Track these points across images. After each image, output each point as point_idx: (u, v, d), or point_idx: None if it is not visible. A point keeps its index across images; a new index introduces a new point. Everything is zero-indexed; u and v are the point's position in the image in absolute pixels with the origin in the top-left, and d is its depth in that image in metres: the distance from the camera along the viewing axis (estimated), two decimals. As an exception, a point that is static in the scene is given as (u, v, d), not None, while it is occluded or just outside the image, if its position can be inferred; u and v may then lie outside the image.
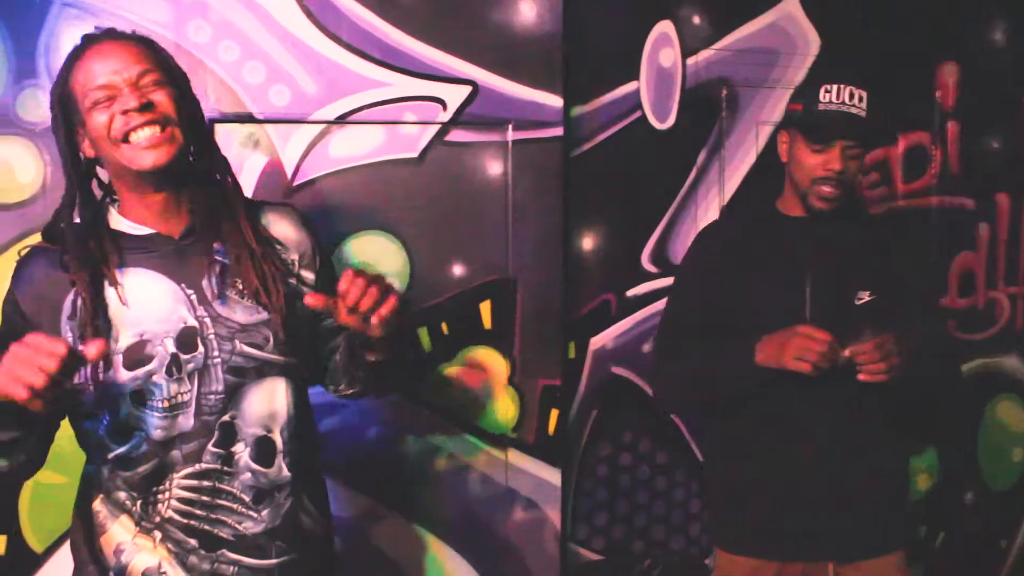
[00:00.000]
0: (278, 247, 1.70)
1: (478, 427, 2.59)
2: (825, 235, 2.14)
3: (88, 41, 1.60)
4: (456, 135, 2.51)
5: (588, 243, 2.76)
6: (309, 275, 1.73)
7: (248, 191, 2.37)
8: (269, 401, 1.63)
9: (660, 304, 2.82)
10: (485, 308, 2.58)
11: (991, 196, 3.13)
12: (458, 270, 2.55)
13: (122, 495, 1.60)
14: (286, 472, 1.64)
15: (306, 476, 1.70)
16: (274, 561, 1.63)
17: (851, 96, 2.08)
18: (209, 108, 2.30)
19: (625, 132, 2.76)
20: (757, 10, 2.86)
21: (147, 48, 1.60)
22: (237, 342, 1.59)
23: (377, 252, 2.49)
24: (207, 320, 1.58)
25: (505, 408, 2.60)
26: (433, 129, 2.48)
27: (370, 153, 2.46)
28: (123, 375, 1.54)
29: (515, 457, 2.62)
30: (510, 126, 2.53)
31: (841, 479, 2.14)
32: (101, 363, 1.52)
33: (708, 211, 2.85)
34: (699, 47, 2.81)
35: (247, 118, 2.36)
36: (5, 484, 2.24)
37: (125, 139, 1.53)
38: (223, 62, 2.33)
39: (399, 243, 2.49)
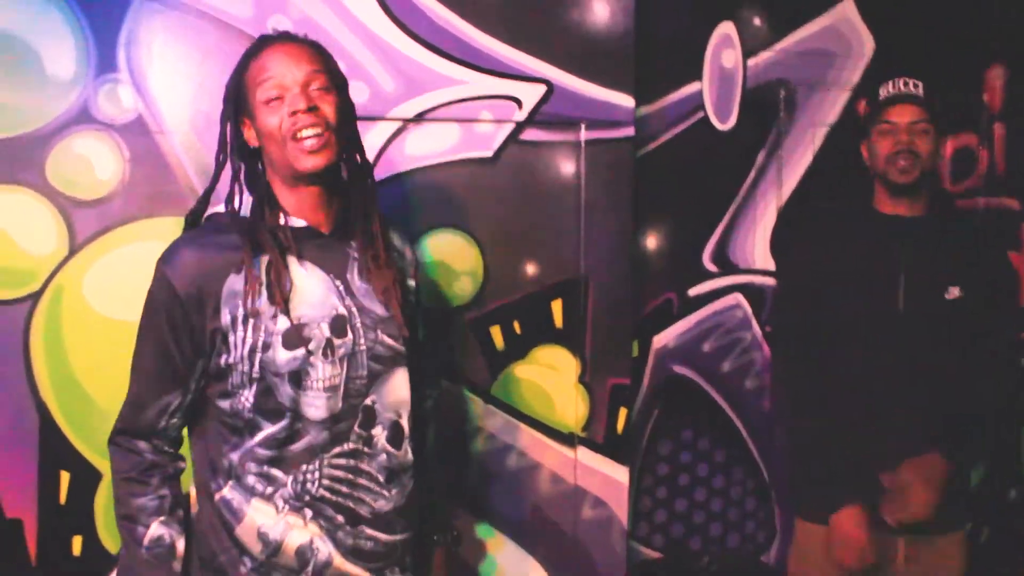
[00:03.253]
0: (395, 254, 1.81)
1: (548, 425, 2.59)
2: (918, 231, 2.21)
3: (264, 41, 1.68)
4: (530, 134, 2.51)
5: (651, 242, 2.78)
6: (412, 283, 1.87)
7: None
8: (399, 389, 1.72)
9: (720, 303, 2.87)
10: (557, 307, 2.58)
11: (1037, 197, 3.19)
12: (531, 269, 2.55)
13: (251, 480, 1.62)
14: (410, 456, 1.73)
15: (421, 460, 1.81)
16: (399, 537, 1.72)
17: (906, 83, 2.26)
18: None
19: (688, 132, 2.79)
20: (814, 12, 2.89)
21: (316, 52, 1.68)
22: (379, 332, 1.68)
23: (451, 250, 2.48)
24: (354, 310, 1.66)
25: (575, 407, 2.60)
26: (508, 128, 2.48)
27: (446, 151, 2.45)
28: (282, 355, 1.59)
29: (584, 455, 2.62)
30: (583, 125, 2.54)
31: (919, 456, 2.21)
32: (260, 342, 1.58)
33: (767, 211, 2.88)
34: (759, 48, 2.84)
35: (325, 115, 2.34)
36: (81, 484, 2.22)
37: (294, 137, 1.60)
38: (303, 58, 2.31)
39: (473, 241, 2.49)
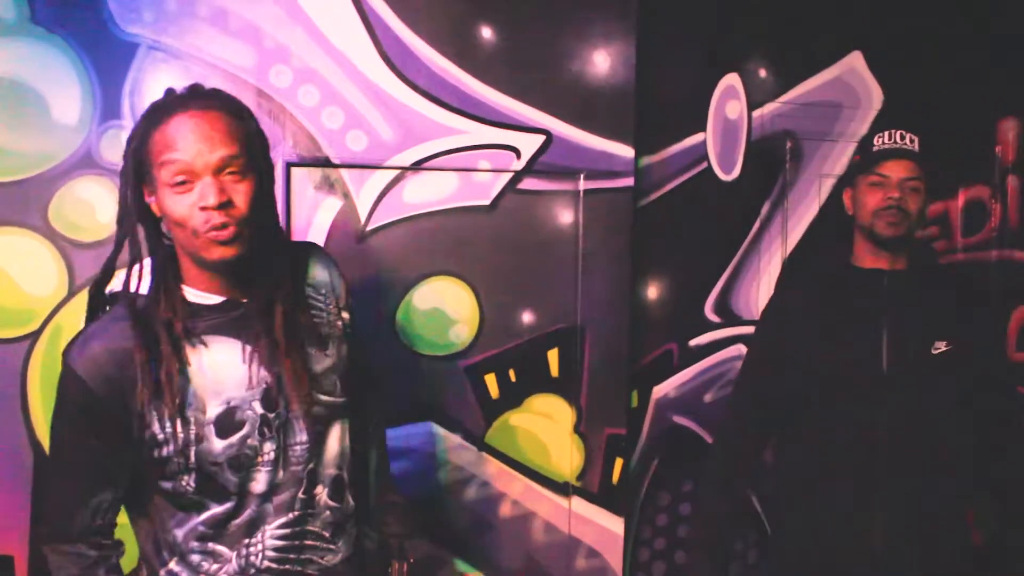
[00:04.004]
0: (322, 293, 1.70)
1: (542, 475, 2.58)
2: (899, 286, 2.16)
3: (172, 106, 1.48)
4: (528, 183, 2.52)
5: (652, 292, 2.77)
6: (347, 315, 1.73)
7: (322, 234, 2.41)
8: (340, 442, 1.66)
9: (722, 354, 2.85)
10: (553, 356, 2.57)
11: (1051, 252, 3.13)
12: (527, 317, 2.55)
13: (195, 558, 1.56)
14: (351, 503, 1.69)
15: (362, 503, 1.76)
16: None
17: (902, 137, 2.18)
18: (287, 152, 2.33)
19: (691, 183, 2.79)
20: (822, 64, 2.89)
21: (233, 123, 1.49)
22: (313, 392, 1.60)
23: (448, 298, 2.49)
24: (282, 377, 1.57)
25: (570, 456, 2.59)
26: (506, 177, 2.50)
27: (443, 199, 2.48)
28: (217, 444, 1.51)
29: (578, 505, 2.60)
30: (582, 176, 2.55)
31: (908, 516, 2.12)
32: (192, 434, 1.50)
33: (772, 262, 2.86)
34: (765, 100, 2.84)
35: (324, 162, 2.38)
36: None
37: (202, 232, 1.46)
38: (303, 107, 2.35)
39: (469, 289, 2.50)
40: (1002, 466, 2.26)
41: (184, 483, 1.52)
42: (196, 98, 1.49)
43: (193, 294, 1.55)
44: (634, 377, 2.72)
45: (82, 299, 2.23)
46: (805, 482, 2.19)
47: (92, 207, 2.25)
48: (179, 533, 1.56)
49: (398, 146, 2.41)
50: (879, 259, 2.18)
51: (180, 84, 2.23)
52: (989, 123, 3.07)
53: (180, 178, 1.43)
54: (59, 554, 1.54)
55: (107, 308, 1.58)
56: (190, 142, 1.43)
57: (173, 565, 1.57)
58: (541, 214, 2.55)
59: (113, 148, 2.25)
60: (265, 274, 1.58)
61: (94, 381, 1.46)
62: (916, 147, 2.16)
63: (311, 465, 1.61)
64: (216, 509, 1.55)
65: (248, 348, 1.55)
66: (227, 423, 1.52)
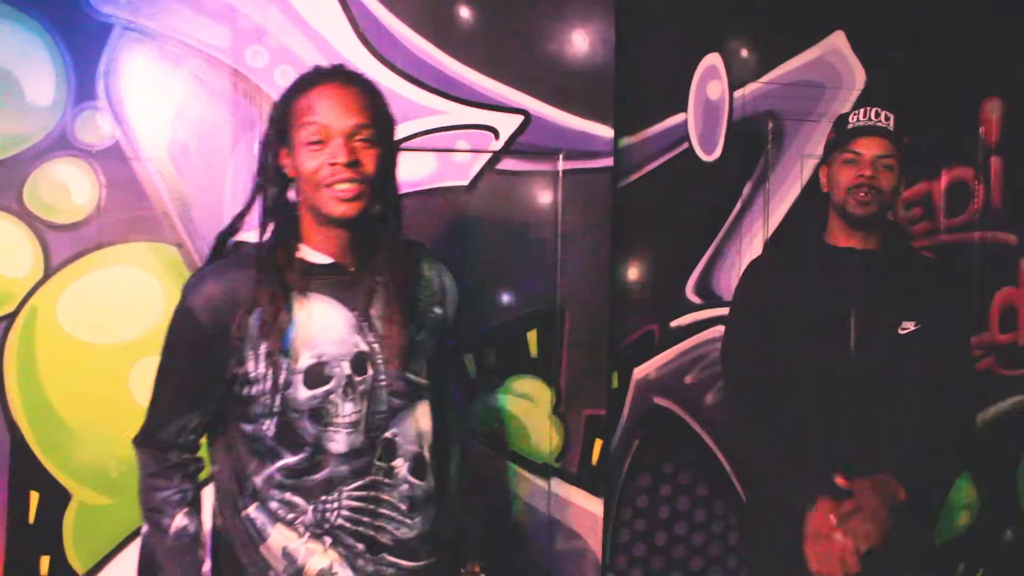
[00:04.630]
0: (423, 283, 1.82)
1: (522, 456, 2.58)
2: (871, 265, 2.16)
3: (316, 77, 1.65)
4: (507, 164, 2.52)
5: (633, 273, 2.77)
6: (439, 311, 1.85)
7: (299, 216, 2.39)
8: (421, 421, 1.75)
9: (704, 335, 2.85)
10: (532, 337, 2.57)
11: (1034, 232, 3.13)
12: (506, 298, 2.55)
13: (274, 505, 1.66)
14: (432, 484, 1.76)
15: (443, 488, 1.84)
16: (423, 563, 1.75)
17: (877, 115, 2.18)
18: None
19: (672, 164, 2.77)
20: (804, 44, 2.87)
21: (367, 98, 1.65)
22: (400, 367, 1.70)
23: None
24: (375, 346, 1.68)
25: (549, 437, 2.59)
26: (485, 157, 2.49)
27: (422, 180, 2.47)
28: (303, 393, 1.62)
29: (558, 487, 2.61)
30: (561, 156, 2.54)
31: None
32: (282, 379, 1.61)
33: (753, 243, 2.85)
34: (747, 80, 2.83)
35: (301, 143, 2.36)
36: (50, 504, 2.25)
37: (328, 184, 1.60)
38: (279, 87, 2.33)
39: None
40: (966, 448, 2.24)
41: (265, 428, 1.63)
42: (339, 74, 1.66)
43: (309, 253, 1.67)
44: (614, 358, 2.72)
45: (58, 281, 2.25)
46: (774, 460, 2.19)
47: (67, 188, 2.25)
48: (258, 480, 1.66)
49: (376, 127, 2.40)
50: (852, 238, 2.18)
51: (154, 64, 2.26)
52: (972, 103, 3.05)
53: (316, 137, 1.59)
54: (145, 454, 1.70)
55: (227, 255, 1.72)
56: (328, 108, 1.60)
57: (252, 510, 1.67)
58: (520, 195, 2.54)
59: (88, 129, 2.25)
60: (378, 246, 1.71)
61: (203, 315, 1.60)
62: (891, 125, 2.16)
63: (391, 435, 1.70)
64: (290, 459, 1.64)
65: (348, 311, 1.66)
66: (315, 375, 1.63)
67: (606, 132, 2.56)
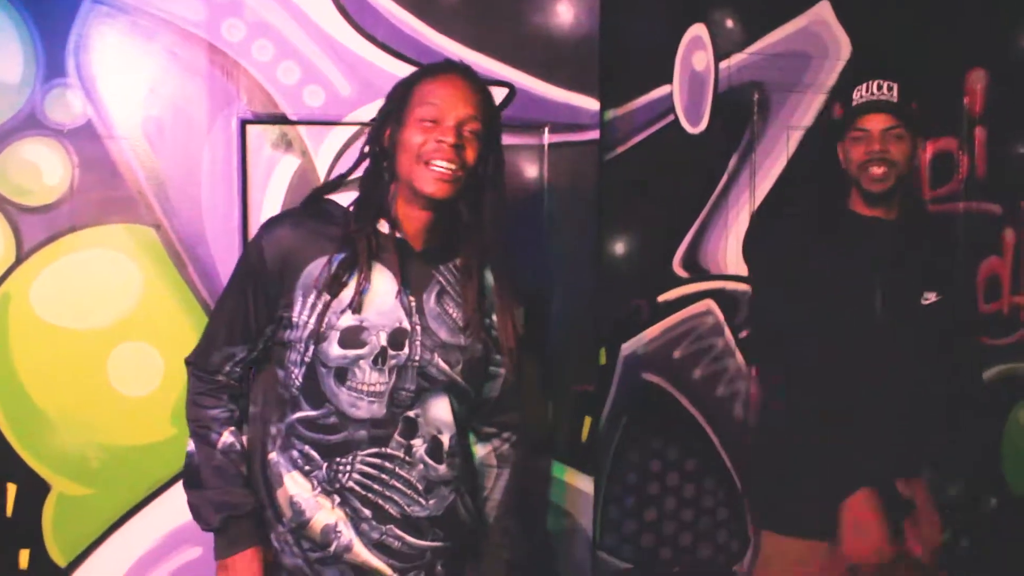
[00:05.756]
0: (484, 293, 1.89)
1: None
2: (893, 236, 2.18)
3: (446, 68, 1.78)
4: (492, 138, 2.46)
5: (619, 248, 2.73)
6: (487, 321, 1.90)
7: (279, 193, 2.34)
8: (443, 410, 1.80)
9: (691, 309, 2.83)
10: (519, 313, 2.52)
11: (1017, 202, 3.13)
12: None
13: (295, 453, 1.75)
14: (449, 472, 1.81)
15: (466, 479, 1.90)
16: (430, 543, 1.80)
17: (879, 87, 2.21)
18: (242, 109, 2.26)
19: (657, 136, 2.74)
20: (790, 14, 2.84)
21: (484, 99, 1.77)
22: (436, 355, 1.76)
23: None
24: (418, 328, 1.75)
25: (538, 415, 2.56)
26: (469, 132, 2.44)
27: (405, 156, 2.40)
28: (335, 351, 1.70)
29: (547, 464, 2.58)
30: (546, 129, 2.49)
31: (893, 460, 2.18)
32: (320, 331, 1.69)
33: (739, 216, 2.83)
34: (732, 51, 2.79)
35: (281, 119, 2.30)
36: (29, 496, 2.20)
37: (427, 160, 1.69)
38: (257, 62, 2.27)
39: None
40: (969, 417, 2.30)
41: (294, 376, 1.74)
42: (466, 70, 1.78)
43: (384, 226, 1.77)
44: (602, 334, 2.69)
45: (31, 265, 2.18)
46: (796, 424, 2.21)
47: (38, 169, 2.17)
48: (281, 427, 1.77)
49: (356, 101, 2.34)
50: (873, 210, 2.21)
51: (126, 38, 2.19)
52: (957, 74, 3.04)
53: (432, 116, 1.70)
54: (194, 375, 1.81)
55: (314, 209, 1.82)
56: (449, 95, 1.72)
57: (274, 454, 1.77)
58: (505, 169, 2.48)
59: (58, 107, 2.17)
60: (458, 236, 1.82)
61: (269, 253, 1.72)
62: (895, 95, 2.17)
63: (414, 415, 1.76)
64: (310, 412, 1.73)
65: (401, 288, 1.75)
66: (351, 337, 1.71)
67: (591, 104, 2.51)
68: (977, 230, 3.08)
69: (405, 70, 2.34)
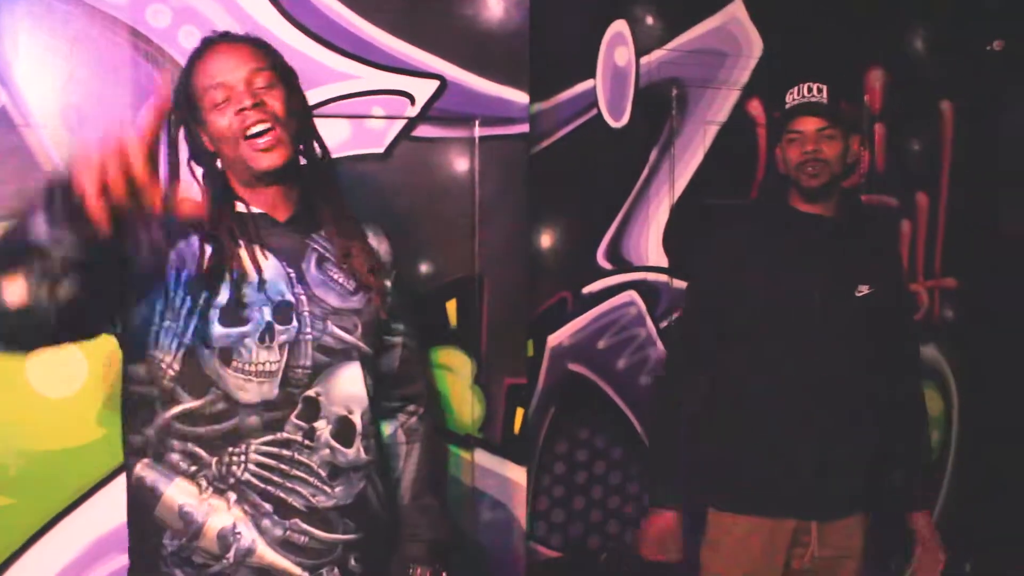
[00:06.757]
0: (368, 251, 1.81)
1: (444, 428, 2.54)
2: (832, 230, 2.27)
3: (206, 44, 1.69)
4: (423, 130, 2.44)
5: (545, 240, 2.76)
6: (388, 282, 1.84)
7: (207, 186, 2.26)
8: (350, 384, 1.70)
9: (614, 300, 2.88)
10: (451, 307, 2.53)
11: (912, 195, 3.30)
12: (424, 268, 2.49)
13: (175, 457, 1.61)
14: (364, 455, 1.71)
15: (379, 462, 1.79)
16: (341, 537, 1.69)
17: (809, 89, 2.31)
18: (178, 121, 2.18)
19: (582, 130, 2.78)
20: (705, 12, 2.92)
21: (258, 48, 1.69)
22: (329, 323, 1.68)
23: (343, 250, 2.40)
24: (303, 298, 1.67)
25: (471, 408, 2.56)
26: (400, 124, 2.42)
27: (336, 148, 2.33)
28: (217, 329, 1.59)
29: (481, 457, 2.58)
30: (477, 122, 2.49)
31: (830, 442, 2.29)
32: (198, 308, 1.59)
33: (660, 208, 2.90)
34: (652, 47, 2.85)
35: (208, 109, 2.23)
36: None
37: (245, 136, 1.61)
38: (185, 50, 2.18)
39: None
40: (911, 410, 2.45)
41: (165, 365, 1.59)
42: (224, 36, 1.70)
43: (241, 205, 1.70)
44: (529, 326, 2.71)
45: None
46: (736, 414, 2.33)
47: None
48: (150, 433, 1.62)
49: (287, 92, 2.29)
50: (811, 208, 2.30)
51: (42, 22, 2.09)
52: (858, 73, 3.18)
53: (221, 96, 1.61)
54: None
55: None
56: (223, 65, 1.63)
57: (140, 468, 1.63)
58: (436, 162, 2.48)
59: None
60: (312, 196, 1.75)
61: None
62: (825, 96, 2.27)
63: (314, 394, 1.64)
64: (190, 403, 1.60)
65: (277, 261, 1.67)
66: (232, 314, 1.60)
67: (521, 98, 2.53)
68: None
69: (336, 61, 2.33)
